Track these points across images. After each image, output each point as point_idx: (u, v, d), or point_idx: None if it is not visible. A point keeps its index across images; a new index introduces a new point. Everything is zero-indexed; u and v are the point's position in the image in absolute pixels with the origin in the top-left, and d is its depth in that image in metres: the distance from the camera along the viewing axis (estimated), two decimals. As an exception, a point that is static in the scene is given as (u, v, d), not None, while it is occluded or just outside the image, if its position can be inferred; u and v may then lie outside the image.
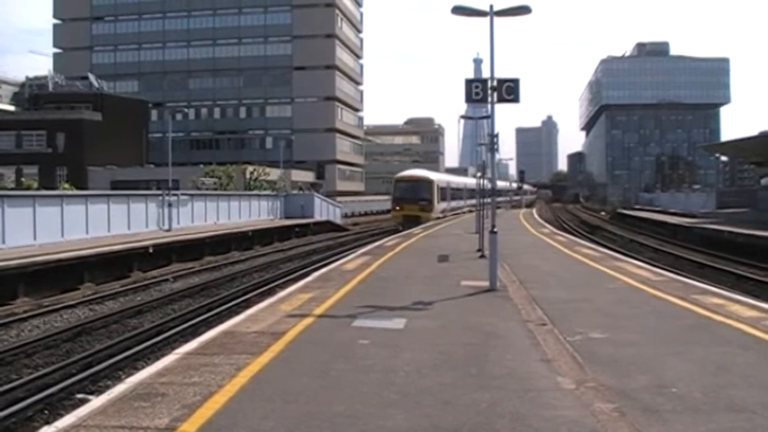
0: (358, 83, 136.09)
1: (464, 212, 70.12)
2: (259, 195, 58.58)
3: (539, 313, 13.70)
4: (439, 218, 57.70)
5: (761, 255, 32.34)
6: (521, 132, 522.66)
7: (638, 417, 7.39)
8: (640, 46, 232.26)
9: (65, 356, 15.43)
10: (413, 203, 55.21)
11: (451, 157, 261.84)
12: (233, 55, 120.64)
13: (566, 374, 9.15)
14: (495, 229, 18.18)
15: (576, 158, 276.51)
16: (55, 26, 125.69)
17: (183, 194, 43.66)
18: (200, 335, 12.85)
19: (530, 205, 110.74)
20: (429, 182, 58.09)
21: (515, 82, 17.43)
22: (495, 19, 17.76)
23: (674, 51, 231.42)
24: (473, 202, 73.75)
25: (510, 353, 10.40)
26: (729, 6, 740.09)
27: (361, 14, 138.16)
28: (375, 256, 25.72)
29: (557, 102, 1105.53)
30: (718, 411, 7.62)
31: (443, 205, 61.85)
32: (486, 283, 17.30)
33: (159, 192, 41.09)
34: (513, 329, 12.20)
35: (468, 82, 17.64)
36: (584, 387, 8.55)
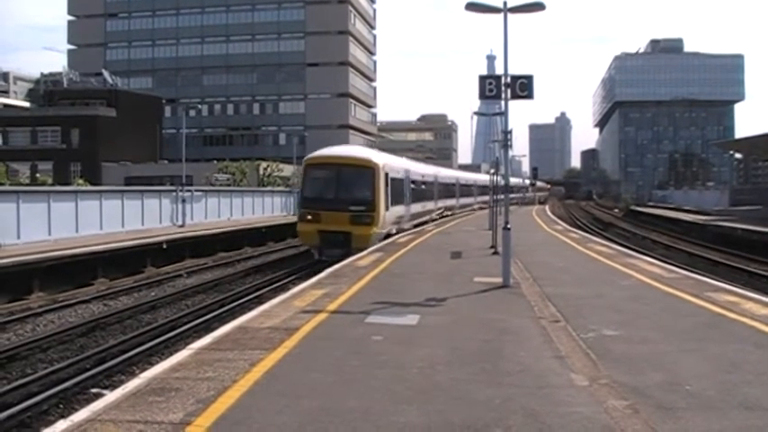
0: (371, 79, 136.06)
1: (434, 219, 48.10)
2: (272, 191, 58.72)
3: (552, 310, 13.67)
4: (391, 235, 33.62)
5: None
6: (534, 129, 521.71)
7: (652, 414, 7.38)
8: (654, 43, 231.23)
9: (79, 351, 15.54)
10: (338, 210, 29.77)
11: (464, 153, 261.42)
12: (246, 51, 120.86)
13: (579, 371, 9.14)
14: (509, 226, 18.16)
15: (589, 155, 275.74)
16: (69, 23, 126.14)
17: (196, 190, 43.78)
18: (213, 330, 12.89)
19: (543, 202, 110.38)
20: (369, 169, 30.99)
21: (529, 78, 17.40)
22: (509, 15, 17.74)
23: (688, 48, 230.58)
24: (449, 202, 56.98)
25: (523, 349, 10.39)
26: (744, 2, 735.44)
27: (375, 11, 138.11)
28: (388, 252, 25.71)
29: (570, 98, 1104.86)
30: (732, 409, 7.60)
31: (399, 211, 35.60)
32: (499, 280, 17.27)
33: (173, 188, 41.25)
34: (527, 326, 12.19)
35: (482, 78, 17.62)
36: (597, 384, 8.54)
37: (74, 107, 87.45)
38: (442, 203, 52.89)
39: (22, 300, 21.75)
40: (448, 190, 56.66)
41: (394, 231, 34.59)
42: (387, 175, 32.13)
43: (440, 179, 52.22)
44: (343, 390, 8.28)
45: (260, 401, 7.77)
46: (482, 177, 78.13)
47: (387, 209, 31.80)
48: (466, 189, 66.45)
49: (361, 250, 26.51)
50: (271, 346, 10.39)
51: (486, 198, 73.02)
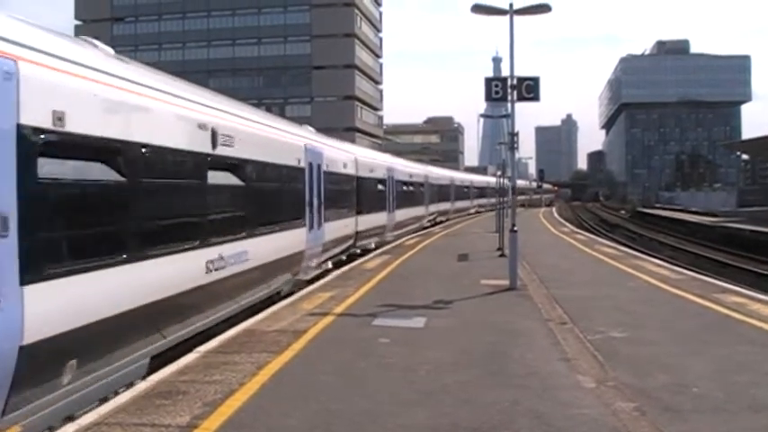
0: (377, 82, 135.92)
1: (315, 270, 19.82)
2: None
3: (559, 312, 13.66)
4: None
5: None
6: (540, 131, 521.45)
7: (659, 416, 7.36)
8: (660, 44, 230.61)
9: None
10: None
11: (471, 156, 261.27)
12: (252, 55, 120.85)
13: (586, 373, 9.13)
14: (516, 228, 18.15)
15: (595, 157, 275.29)
16: (76, 27, 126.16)
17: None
18: (220, 333, 12.90)
19: (549, 204, 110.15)
20: None
21: (535, 80, 17.40)
22: (515, 17, 17.74)
23: (694, 49, 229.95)
24: (375, 219, 29.16)
25: (530, 352, 10.38)
26: (750, 3, 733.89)
27: (380, 14, 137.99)
28: (395, 255, 25.71)
29: (576, 100, 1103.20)
30: (740, 411, 7.58)
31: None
32: (506, 282, 17.25)
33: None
34: (534, 328, 12.18)
35: (488, 80, 17.64)
36: (604, 386, 8.53)
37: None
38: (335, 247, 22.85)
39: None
40: (380, 189, 31.03)
41: None
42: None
43: (361, 169, 26.61)
44: (350, 392, 8.28)
45: (267, 404, 7.78)
46: (409, 168, 42.04)
47: None
48: (375, 191, 30.21)
49: None
50: (278, 348, 10.40)
51: (422, 212, 43.52)
